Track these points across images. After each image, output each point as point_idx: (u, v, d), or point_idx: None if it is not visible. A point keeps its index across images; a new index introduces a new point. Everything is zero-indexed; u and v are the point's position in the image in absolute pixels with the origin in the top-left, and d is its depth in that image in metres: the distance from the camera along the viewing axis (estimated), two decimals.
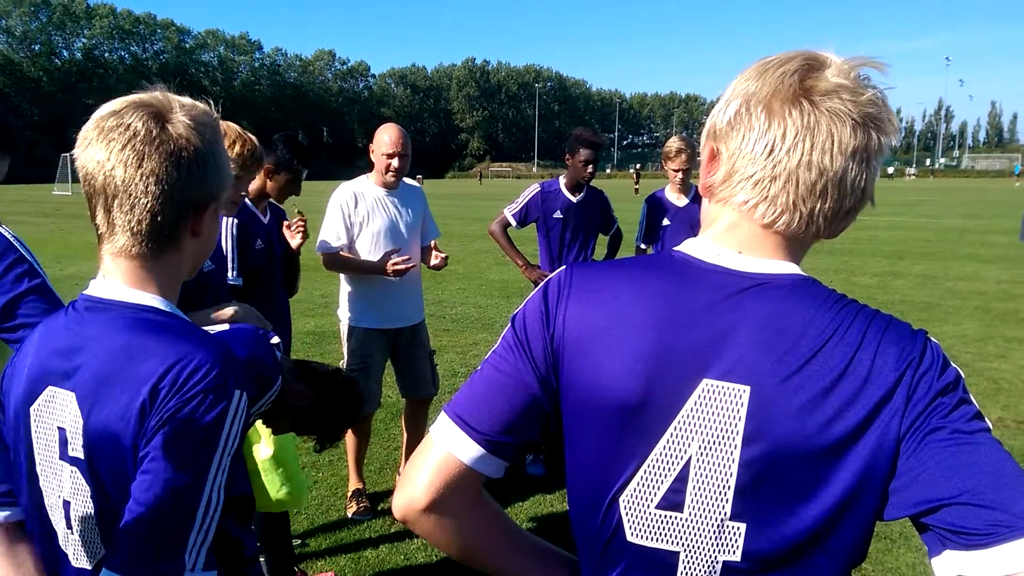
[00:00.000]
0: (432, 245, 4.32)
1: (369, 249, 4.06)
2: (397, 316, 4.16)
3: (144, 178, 1.14)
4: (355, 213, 4.03)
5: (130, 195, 1.15)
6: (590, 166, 4.80)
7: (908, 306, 9.92)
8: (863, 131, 0.92)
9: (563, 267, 1.08)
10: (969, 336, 8.24)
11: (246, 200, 3.61)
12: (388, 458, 4.94)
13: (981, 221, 23.71)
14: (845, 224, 0.98)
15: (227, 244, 3.45)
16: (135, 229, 1.17)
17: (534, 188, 5.03)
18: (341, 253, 4.03)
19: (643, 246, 5.51)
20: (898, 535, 3.82)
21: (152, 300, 1.20)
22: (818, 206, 0.94)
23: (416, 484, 1.06)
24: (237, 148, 2.93)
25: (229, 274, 3.44)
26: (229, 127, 2.98)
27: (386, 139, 4.02)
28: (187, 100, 1.23)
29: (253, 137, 3.04)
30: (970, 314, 9.44)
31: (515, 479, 4.52)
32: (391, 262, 3.96)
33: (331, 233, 4.04)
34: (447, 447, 1.05)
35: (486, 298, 10.61)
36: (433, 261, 4.26)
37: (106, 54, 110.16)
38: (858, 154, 0.92)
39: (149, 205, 1.15)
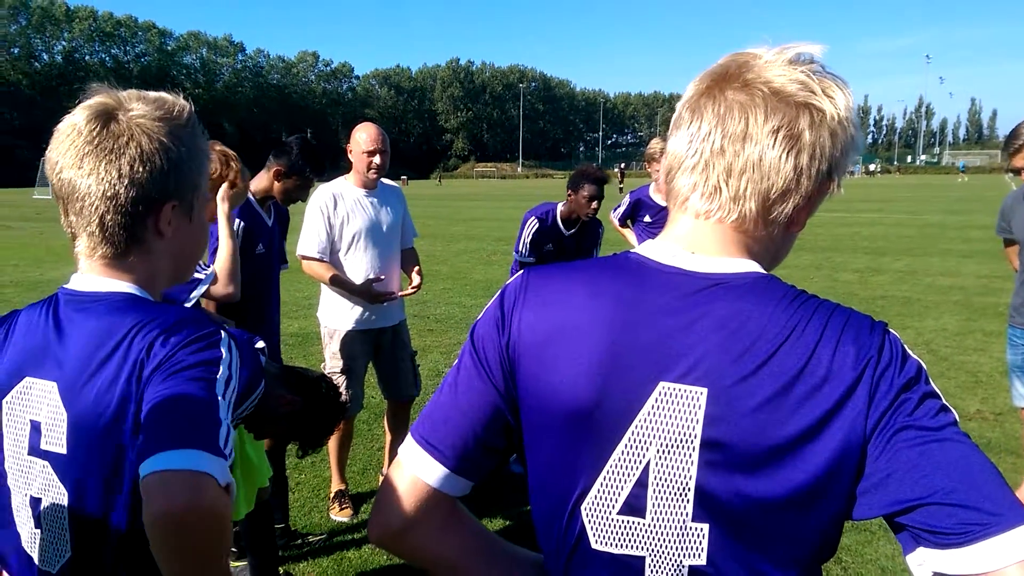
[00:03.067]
0: (414, 269, 4.27)
1: (349, 251, 4.03)
2: (379, 316, 4.13)
3: (85, 179, 1.12)
4: (335, 215, 3.98)
5: (77, 197, 1.14)
6: (594, 202, 4.61)
7: (889, 301, 10.00)
8: (784, 110, 0.92)
9: (520, 272, 1.07)
10: (949, 330, 8.32)
11: (252, 201, 3.57)
12: (371, 459, 4.92)
13: (961, 217, 23.92)
14: (787, 208, 0.96)
15: None
16: (90, 231, 1.16)
17: (532, 223, 4.77)
18: (323, 262, 3.98)
19: (615, 219, 5.70)
20: (878, 526, 3.85)
21: (129, 288, 1.19)
22: (740, 187, 0.94)
23: (388, 510, 1.06)
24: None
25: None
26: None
27: (364, 137, 3.99)
28: (152, 95, 1.20)
29: (226, 157, 2.97)
30: (950, 308, 9.52)
31: (498, 478, 4.53)
32: (374, 291, 3.95)
33: (312, 237, 3.99)
34: (414, 471, 1.05)
35: (470, 298, 10.60)
36: (408, 289, 4.23)
37: (87, 57, 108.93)
38: (779, 132, 0.92)
39: (95, 206, 1.13)
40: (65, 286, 1.22)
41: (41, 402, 1.14)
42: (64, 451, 1.12)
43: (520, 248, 4.80)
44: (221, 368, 1.10)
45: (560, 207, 4.79)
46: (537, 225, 4.76)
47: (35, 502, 1.17)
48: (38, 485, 1.16)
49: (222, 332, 1.15)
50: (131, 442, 1.10)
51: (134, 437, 1.09)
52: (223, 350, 1.12)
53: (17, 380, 1.17)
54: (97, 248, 1.17)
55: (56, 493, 1.14)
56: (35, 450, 1.15)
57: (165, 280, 1.26)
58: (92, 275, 1.20)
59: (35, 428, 1.15)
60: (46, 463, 1.14)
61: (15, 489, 1.19)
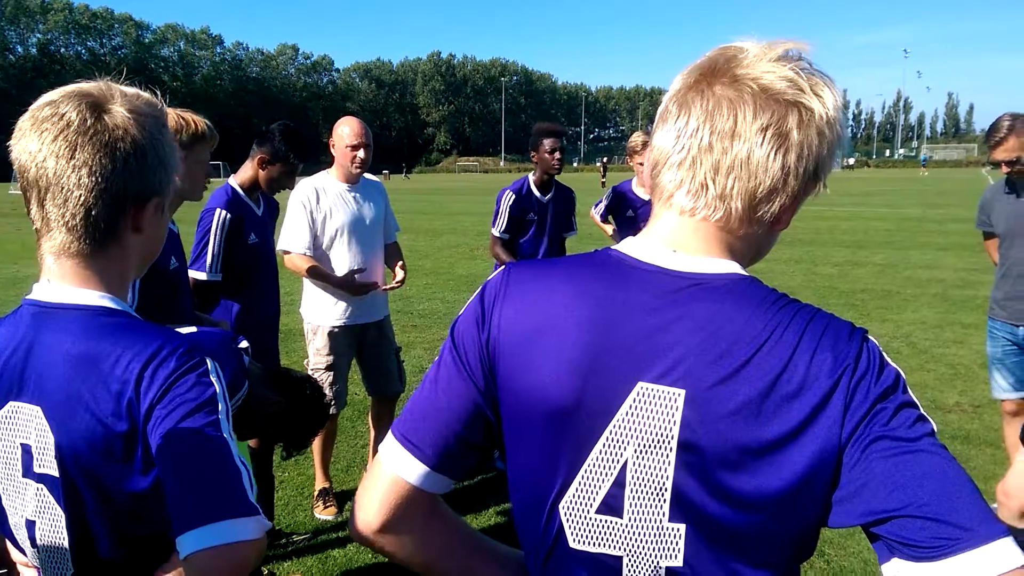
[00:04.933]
0: (398, 264, 4.30)
1: (332, 246, 4.00)
2: (363, 312, 4.11)
3: (76, 170, 1.08)
4: (317, 209, 3.95)
5: (63, 188, 1.09)
6: (556, 153, 4.77)
7: (869, 294, 10.10)
8: (773, 108, 0.91)
9: (501, 268, 1.06)
10: (928, 323, 8.41)
11: (239, 192, 3.54)
12: (355, 456, 4.90)
13: (939, 210, 24.20)
14: (774, 207, 0.95)
15: (214, 239, 3.35)
16: (70, 224, 1.11)
17: (509, 196, 4.87)
18: (305, 255, 3.95)
19: (596, 215, 5.71)
20: None
21: (101, 300, 1.14)
22: (727, 185, 0.93)
23: (368, 507, 1.06)
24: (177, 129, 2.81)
25: (205, 272, 3.35)
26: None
27: (347, 131, 3.96)
28: (131, 90, 1.17)
29: (191, 118, 2.88)
30: (929, 301, 9.63)
31: (482, 475, 4.53)
32: (356, 283, 3.94)
33: (294, 232, 3.96)
34: (394, 469, 1.04)
35: (454, 293, 10.58)
36: (392, 283, 4.23)
37: (62, 49, 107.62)
38: (768, 131, 0.90)
39: (83, 198, 1.09)
40: (30, 297, 1.17)
41: (29, 426, 1.12)
42: (57, 474, 1.11)
43: (497, 223, 4.89)
44: (219, 404, 1.09)
45: (531, 177, 4.93)
46: (514, 197, 4.87)
47: (30, 524, 1.16)
48: (33, 507, 1.14)
49: (206, 359, 1.13)
50: (130, 470, 1.09)
51: (135, 466, 1.09)
52: (213, 380, 1.11)
53: (2, 404, 1.14)
54: (73, 244, 1.13)
55: (54, 514, 1.13)
56: (29, 472, 1.13)
57: (133, 275, 1.24)
58: (62, 283, 1.15)
59: (26, 451, 1.13)
60: (41, 485, 1.13)
61: (11, 511, 1.18)
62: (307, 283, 4.13)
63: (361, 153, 3.96)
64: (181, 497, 1.02)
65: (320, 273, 3.95)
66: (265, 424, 1.93)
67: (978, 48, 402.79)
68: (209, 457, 1.04)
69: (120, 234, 1.16)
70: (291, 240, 3.95)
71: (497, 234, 4.91)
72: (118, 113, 1.11)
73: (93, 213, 1.11)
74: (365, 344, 4.22)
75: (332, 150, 4.05)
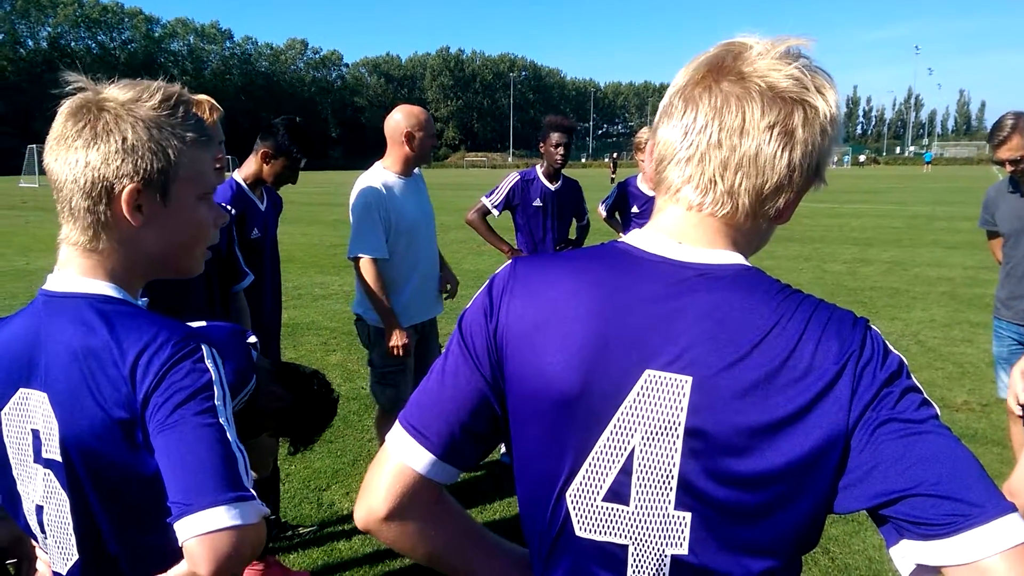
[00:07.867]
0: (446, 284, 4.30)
1: (401, 244, 3.80)
2: (429, 308, 4.05)
3: (55, 162, 1.15)
4: (385, 209, 3.73)
5: (54, 180, 1.16)
6: (561, 148, 4.83)
7: (877, 292, 10.07)
8: (779, 106, 0.92)
9: (509, 261, 1.07)
10: (936, 321, 8.38)
11: (243, 186, 3.53)
12: (362, 449, 4.92)
13: (949, 208, 24.06)
14: (779, 203, 0.96)
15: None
16: (66, 217, 1.17)
17: (513, 176, 5.00)
18: (379, 260, 3.72)
19: (603, 210, 5.72)
20: (865, 517, 3.87)
21: (104, 288, 1.17)
22: (735, 181, 0.94)
23: (374, 495, 1.06)
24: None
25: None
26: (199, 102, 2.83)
27: (416, 121, 3.78)
28: (131, 83, 1.19)
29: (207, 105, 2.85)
30: (937, 300, 9.59)
31: (488, 470, 4.54)
32: (398, 339, 3.77)
33: (368, 235, 3.71)
34: (401, 457, 1.05)
35: (460, 288, 10.55)
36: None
37: (72, 43, 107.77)
38: (775, 128, 0.92)
39: (65, 190, 1.15)
40: (44, 287, 1.21)
41: (37, 412, 1.15)
42: (59, 459, 1.13)
43: (493, 194, 4.97)
44: (215, 390, 1.10)
45: (539, 167, 5.03)
46: (518, 178, 4.97)
47: (39, 509, 1.18)
48: (40, 492, 1.17)
49: (202, 345, 1.14)
50: (131, 458, 1.11)
51: (137, 454, 1.11)
52: (209, 366, 1.12)
53: (13, 391, 1.17)
54: (72, 234, 1.17)
55: (59, 499, 1.15)
56: (38, 457, 1.16)
57: (148, 270, 1.24)
58: (70, 271, 1.18)
59: (36, 437, 1.16)
60: (48, 471, 1.15)
61: (24, 496, 1.21)
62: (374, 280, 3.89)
63: (434, 139, 3.88)
64: (178, 484, 1.03)
65: (378, 295, 3.74)
66: (271, 419, 1.94)
67: (990, 45, 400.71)
68: (205, 444, 1.05)
69: (111, 226, 1.16)
70: (366, 244, 3.71)
71: (484, 200, 4.96)
72: (89, 107, 1.15)
73: (73, 204, 1.15)
74: (419, 338, 4.09)
75: (403, 141, 3.79)
